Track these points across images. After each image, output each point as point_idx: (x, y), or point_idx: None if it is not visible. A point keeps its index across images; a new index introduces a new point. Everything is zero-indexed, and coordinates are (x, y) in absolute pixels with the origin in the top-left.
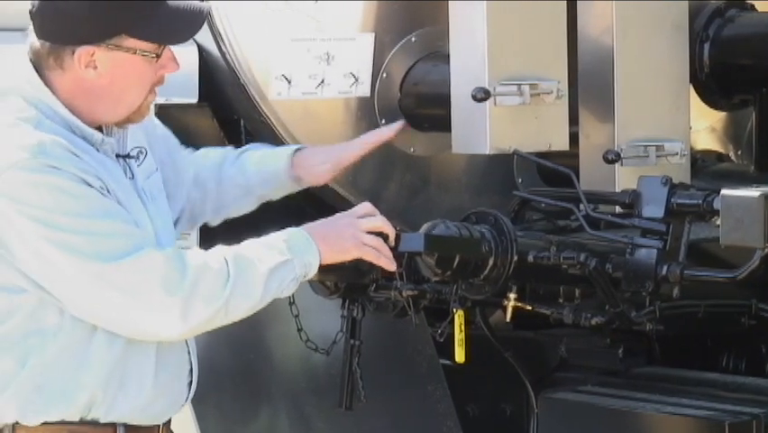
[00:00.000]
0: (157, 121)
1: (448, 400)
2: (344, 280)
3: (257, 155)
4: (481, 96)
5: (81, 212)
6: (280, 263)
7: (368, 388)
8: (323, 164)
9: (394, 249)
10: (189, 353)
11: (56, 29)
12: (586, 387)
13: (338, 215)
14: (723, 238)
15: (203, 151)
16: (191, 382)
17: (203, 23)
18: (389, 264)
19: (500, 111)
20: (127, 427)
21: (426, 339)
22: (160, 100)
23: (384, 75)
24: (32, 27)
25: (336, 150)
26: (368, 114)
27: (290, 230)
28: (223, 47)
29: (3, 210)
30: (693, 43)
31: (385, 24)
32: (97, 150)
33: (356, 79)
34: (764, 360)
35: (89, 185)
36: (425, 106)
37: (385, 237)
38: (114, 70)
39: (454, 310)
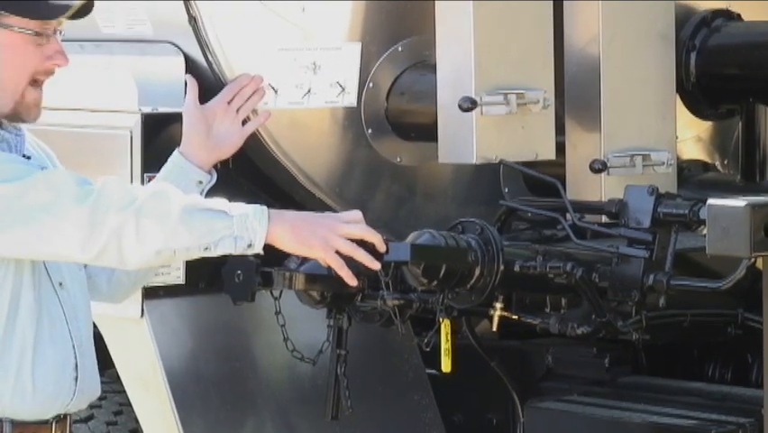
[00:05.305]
0: None
1: (434, 410)
2: (330, 290)
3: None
4: (468, 105)
5: None
6: (212, 210)
7: (354, 397)
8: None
9: (381, 258)
10: (75, 347)
11: None
12: (572, 396)
13: (326, 213)
14: (709, 248)
15: None
16: (77, 377)
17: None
18: (351, 279)
19: (487, 120)
20: (14, 423)
21: (413, 349)
22: (147, 109)
23: (371, 84)
24: None
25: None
26: (354, 123)
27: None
28: (209, 56)
29: None
30: (680, 53)
31: (371, 34)
32: None
33: (343, 89)
34: (750, 369)
35: None
36: (411, 116)
37: (371, 247)
38: None
39: (441, 320)
